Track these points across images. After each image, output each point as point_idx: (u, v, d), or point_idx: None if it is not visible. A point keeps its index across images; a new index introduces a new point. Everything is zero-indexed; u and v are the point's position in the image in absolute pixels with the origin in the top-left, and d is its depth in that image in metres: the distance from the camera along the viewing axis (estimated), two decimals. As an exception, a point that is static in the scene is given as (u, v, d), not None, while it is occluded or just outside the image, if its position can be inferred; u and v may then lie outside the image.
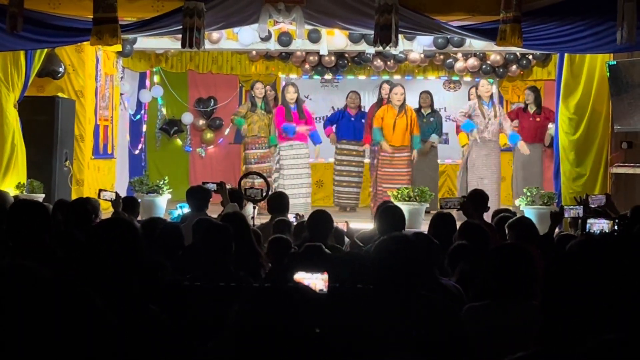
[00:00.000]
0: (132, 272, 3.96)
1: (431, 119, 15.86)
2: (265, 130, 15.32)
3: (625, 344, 2.53)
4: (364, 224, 11.86)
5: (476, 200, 9.54)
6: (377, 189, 15.16)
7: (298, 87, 15.59)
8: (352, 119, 16.05)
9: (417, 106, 16.04)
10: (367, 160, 16.13)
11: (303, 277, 4.06)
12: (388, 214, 7.91)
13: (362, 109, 16.48)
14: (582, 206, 9.77)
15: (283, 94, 15.37)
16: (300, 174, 15.06)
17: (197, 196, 9.80)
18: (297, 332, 2.67)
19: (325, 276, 3.98)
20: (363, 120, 15.93)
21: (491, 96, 14.95)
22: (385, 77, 17.77)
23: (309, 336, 2.69)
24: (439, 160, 16.67)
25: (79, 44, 13.62)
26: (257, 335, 2.72)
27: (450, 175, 18.37)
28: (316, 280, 4.00)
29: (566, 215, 9.96)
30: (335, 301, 3.66)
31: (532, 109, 15.38)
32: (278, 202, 10.02)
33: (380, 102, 15.55)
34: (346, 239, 8.82)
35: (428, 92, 16.39)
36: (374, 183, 15.32)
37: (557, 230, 10.71)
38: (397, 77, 18.50)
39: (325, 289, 3.90)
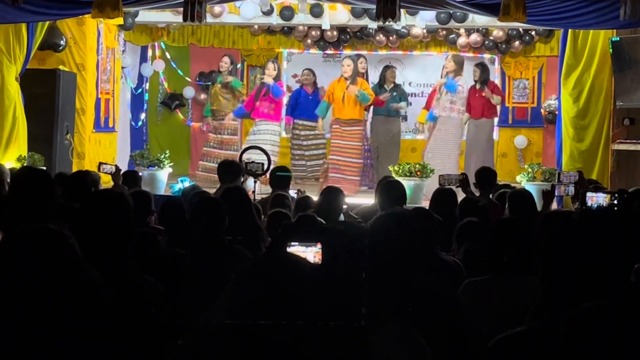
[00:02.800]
0: (126, 243, 3.96)
1: (394, 93, 15.69)
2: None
3: (605, 311, 2.53)
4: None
5: (483, 178, 9.51)
6: (326, 160, 15.15)
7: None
8: (310, 97, 15.95)
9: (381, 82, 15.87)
10: (328, 135, 16.09)
11: (297, 250, 4.05)
12: (389, 189, 7.89)
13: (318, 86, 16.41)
14: (573, 184, 9.75)
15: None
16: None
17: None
18: (291, 302, 2.68)
19: (319, 247, 3.96)
20: (319, 98, 15.88)
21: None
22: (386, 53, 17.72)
23: (302, 305, 2.69)
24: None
25: (80, 16, 13.58)
26: (253, 305, 2.72)
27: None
28: (309, 253, 3.99)
29: (556, 193, 9.95)
30: (329, 272, 3.67)
31: (477, 85, 15.23)
32: (280, 177, 10.01)
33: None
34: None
35: (391, 67, 16.26)
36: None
37: (557, 207, 10.73)
38: (399, 52, 18.46)
39: (318, 260, 3.89)
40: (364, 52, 18.41)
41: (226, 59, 15.84)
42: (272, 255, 2.93)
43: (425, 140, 16.02)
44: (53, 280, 2.82)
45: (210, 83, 18.48)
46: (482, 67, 15.40)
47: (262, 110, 15.26)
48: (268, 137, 15.20)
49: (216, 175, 10.17)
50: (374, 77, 16.96)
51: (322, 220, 6.39)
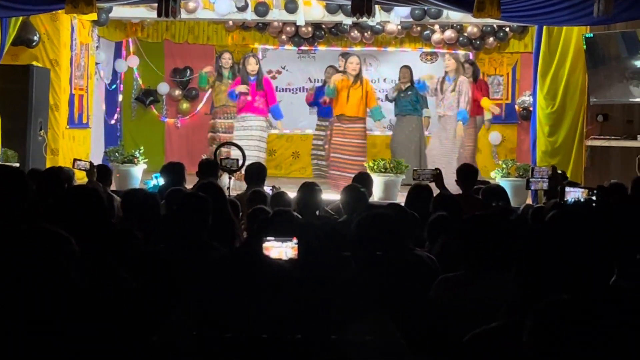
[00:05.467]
0: (102, 239, 3.95)
1: (409, 92, 15.66)
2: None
3: (574, 304, 2.54)
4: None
5: (465, 173, 9.51)
6: (329, 159, 15.10)
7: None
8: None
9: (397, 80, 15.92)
10: None
11: (272, 245, 4.05)
12: (347, 193, 7.93)
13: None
14: (547, 179, 9.79)
15: (244, 65, 15.15)
16: (249, 146, 14.67)
17: (173, 171, 9.70)
18: (263, 297, 2.68)
19: (295, 242, 3.96)
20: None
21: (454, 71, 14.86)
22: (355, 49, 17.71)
23: (277, 302, 2.69)
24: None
25: (54, 12, 13.51)
26: (225, 300, 2.72)
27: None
28: (285, 248, 3.99)
29: (532, 187, 10.00)
30: (306, 267, 3.68)
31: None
32: (256, 173, 9.99)
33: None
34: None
35: (407, 67, 16.22)
36: (327, 154, 15.29)
37: (531, 202, 10.77)
38: (373, 48, 18.47)
39: (295, 256, 3.89)
40: (338, 48, 18.42)
41: (227, 55, 15.72)
42: (245, 251, 2.93)
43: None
44: (48, 281, 2.80)
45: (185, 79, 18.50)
46: (474, 64, 15.59)
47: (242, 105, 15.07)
48: (255, 133, 15.05)
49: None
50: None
51: (298, 216, 6.38)
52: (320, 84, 16.49)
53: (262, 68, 15.09)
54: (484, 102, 15.43)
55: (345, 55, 15.58)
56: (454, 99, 14.55)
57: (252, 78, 14.76)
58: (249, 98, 14.68)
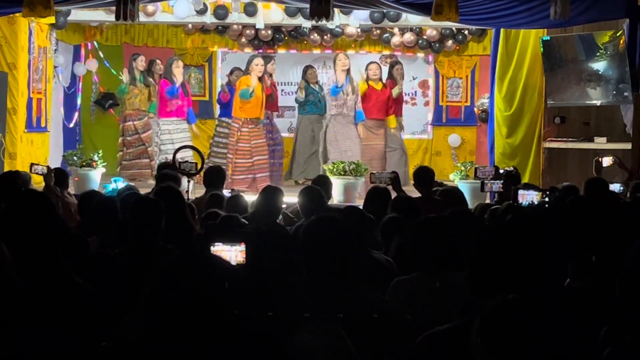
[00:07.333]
0: (55, 244, 3.93)
1: (316, 93, 15.56)
2: (146, 104, 15.35)
3: (520, 304, 2.56)
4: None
5: (423, 176, 9.53)
6: (235, 163, 14.83)
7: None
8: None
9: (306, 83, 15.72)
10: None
11: (221, 249, 4.07)
12: (305, 195, 7.89)
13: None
14: (500, 180, 9.84)
15: (170, 69, 15.16)
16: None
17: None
18: (211, 302, 2.67)
19: (243, 247, 3.97)
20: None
21: (347, 71, 14.87)
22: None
23: (223, 306, 2.69)
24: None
25: (11, 15, 13.42)
26: (171, 305, 2.71)
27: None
28: (234, 252, 4.01)
29: (486, 189, 10.05)
30: (253, 272, 3.66)
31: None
32: (215, 177, 9.95)
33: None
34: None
35: (314, 67, 16.21)
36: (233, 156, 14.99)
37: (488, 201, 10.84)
38: (333, 51, 18.48)
39: (243, 260, 3.90)
40: (294, 52, 18.43)
41: (142, 58, 15.70)
42: (192, 254, 2.92)
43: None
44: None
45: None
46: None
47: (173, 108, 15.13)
48: (188, 135, 15.13)
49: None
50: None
51: (245, 221, 6.38)
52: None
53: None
54: (390, 121, 15.27)
55: (252, 57, 15.30)
56: (352, 99, 14.59)
57: (178, 82, 14.92)
58: (180, 102, 15.05)
